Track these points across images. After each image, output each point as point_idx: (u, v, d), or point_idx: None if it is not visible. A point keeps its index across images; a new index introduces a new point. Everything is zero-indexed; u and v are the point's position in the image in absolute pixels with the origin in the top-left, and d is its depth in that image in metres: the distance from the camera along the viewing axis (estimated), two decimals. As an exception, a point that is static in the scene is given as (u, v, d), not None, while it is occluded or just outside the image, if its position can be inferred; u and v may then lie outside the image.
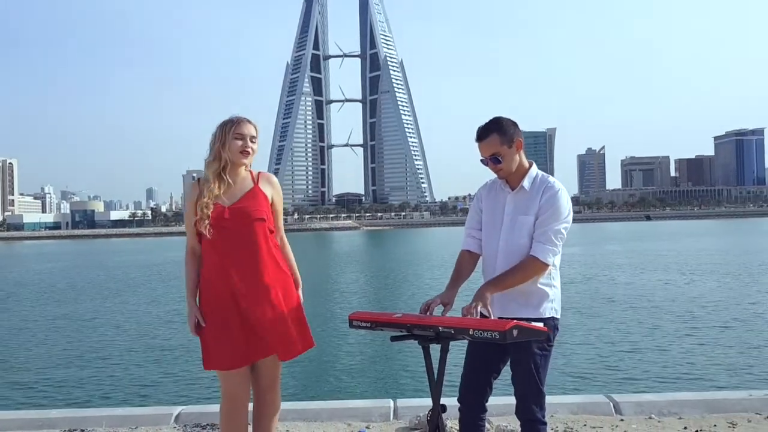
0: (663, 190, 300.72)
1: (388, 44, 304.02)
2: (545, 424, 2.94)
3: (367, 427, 4.44)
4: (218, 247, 2.97)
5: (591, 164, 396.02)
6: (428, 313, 2.87)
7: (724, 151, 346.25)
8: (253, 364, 3.06)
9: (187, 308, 3.07)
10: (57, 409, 5.91)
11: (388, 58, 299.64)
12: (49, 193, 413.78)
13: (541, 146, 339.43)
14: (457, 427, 3.13)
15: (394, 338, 2.80)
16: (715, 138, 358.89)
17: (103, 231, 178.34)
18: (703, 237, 64.79)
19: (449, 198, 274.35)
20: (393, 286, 27.09)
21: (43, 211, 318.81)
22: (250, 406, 3.17)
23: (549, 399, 3.10)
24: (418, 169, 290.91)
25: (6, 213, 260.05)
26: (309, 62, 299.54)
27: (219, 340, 2.96)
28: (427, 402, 2.90)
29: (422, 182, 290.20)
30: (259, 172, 3.12)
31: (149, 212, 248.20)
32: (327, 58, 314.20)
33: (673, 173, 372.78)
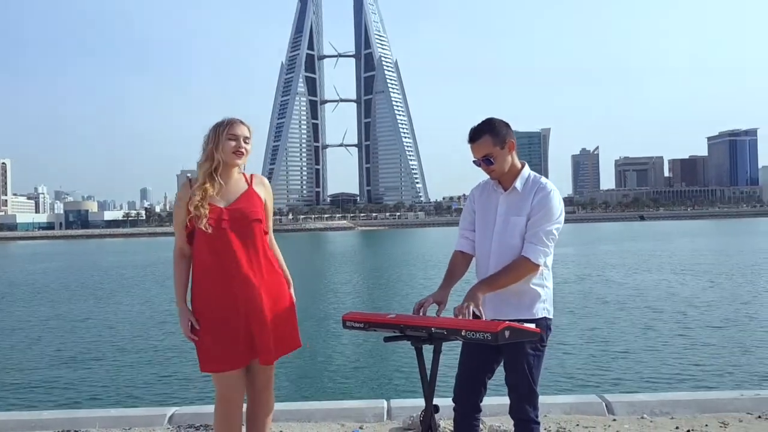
0: (657, 191, 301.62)
1: (382, 44, 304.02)
2: (538, 423, 2.95)
3: (361, 428, 4.44)
4: (216, 248, 2.96)
5: (585, 164, 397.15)
6: (421, 313, 2.88)
7: (717, 152, 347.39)
8: (247, 365, 3.06)
9: (178, 311, 3.05)
10: (50, 410, 5.88)
11: (382, 58, 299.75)
12: (43, 193, 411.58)
13: (536, 146, 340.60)
14: (451, 428, 3.15)
15: (387, 339, 2.82)
16: (709, 138, 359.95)
17: (96, 231, 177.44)
18: (697, 237, 64.96)
19: (444, 198, 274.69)
20: (387, 286, 27.04)
21: (37, 211, 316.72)
22: (244, 406, 3.17)
23: (542, 399, 3.11)
24: (413, 169, 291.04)
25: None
26: (303, 62, 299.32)
27: (217, 342, 2.95)
28: (421, 402, 2.91)
29: (417, 182, 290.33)
30: (252, 175, 3.14)
31: (143, 212, 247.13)
32: (322, 58, 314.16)
33: (666, 173, 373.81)
